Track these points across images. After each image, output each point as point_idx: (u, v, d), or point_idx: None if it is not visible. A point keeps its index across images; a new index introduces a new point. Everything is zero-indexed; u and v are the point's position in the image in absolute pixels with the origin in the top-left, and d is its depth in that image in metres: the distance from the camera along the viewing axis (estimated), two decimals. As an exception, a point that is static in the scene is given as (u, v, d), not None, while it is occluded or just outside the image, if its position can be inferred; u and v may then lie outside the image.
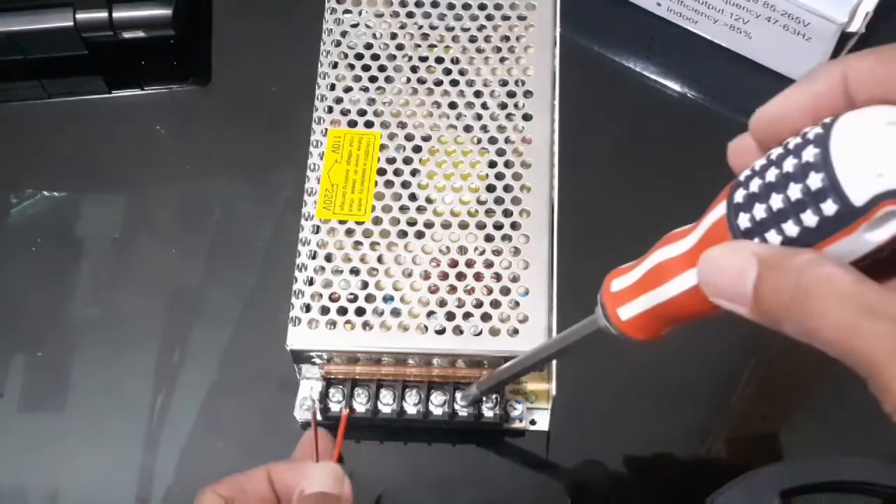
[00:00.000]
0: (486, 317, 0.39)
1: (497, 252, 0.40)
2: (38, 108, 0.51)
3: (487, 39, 0.44)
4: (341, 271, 0.40)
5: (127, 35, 0.49)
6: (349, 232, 0.40)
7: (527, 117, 0.43)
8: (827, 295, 0.21)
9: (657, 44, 0.51)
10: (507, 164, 0.42)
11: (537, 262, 0.40)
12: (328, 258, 0.40)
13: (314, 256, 0.40)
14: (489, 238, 0.40)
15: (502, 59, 0.44)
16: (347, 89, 0.43)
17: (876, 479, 0.37)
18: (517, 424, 0.41)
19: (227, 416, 0.43)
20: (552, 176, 0.41)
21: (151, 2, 0.48)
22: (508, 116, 0.43)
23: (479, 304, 0.39)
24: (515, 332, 0.38)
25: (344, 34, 0.45)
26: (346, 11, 0.45)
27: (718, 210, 0.24)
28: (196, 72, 0.52)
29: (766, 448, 0.41)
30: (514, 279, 0.39)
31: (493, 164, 0.42)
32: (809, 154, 0.21)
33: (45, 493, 0.42)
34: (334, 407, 0.40)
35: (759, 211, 0.22)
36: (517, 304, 0.39)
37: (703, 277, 0.24)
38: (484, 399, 0.40)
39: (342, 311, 0.39)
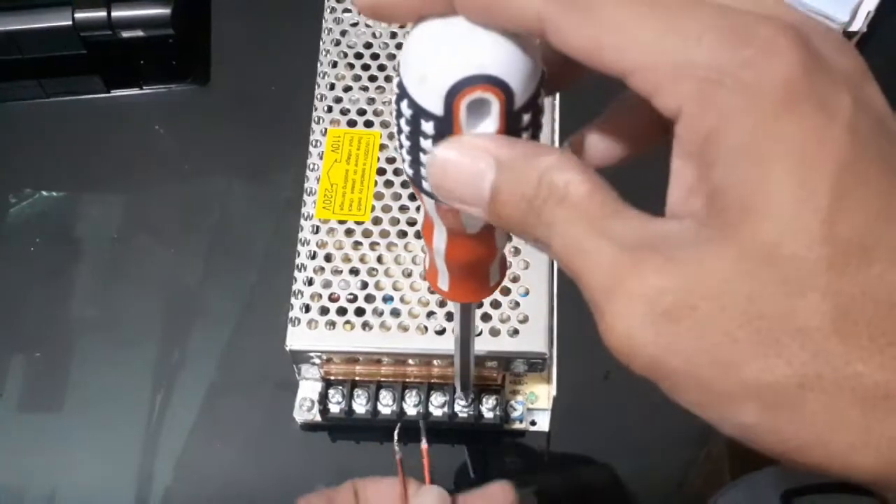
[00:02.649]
0: (486, 317, 0.38)
1: (497, 252, 0.40)
2: (37, 107, 0.51)
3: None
4: (341, 271, 0.40)
5: (126, 34, 0.49)
6: (349, 232, 0.40)
7: (527, 117, 0.42)
8: (560, 205, 0.19)
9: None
10: (507, 164, 0.41)
11: (537, 261, 0.40)
12: (327, 258, 0.40)
13: (313, 256, 0.40)
14: (489, 238, 0.40)
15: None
16: (347, 89, 0.43)
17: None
18: (517, 425, 0.40)
19: (227, 417, 0.43)
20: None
21: (150, 1, 0.48)
22: (508, 116, 0.42)
23: (479, 305, 0.39)
24: (515, 332, 0.38)
25: (343, 33, 0.44)
26: (346, 10, 0.45)
27: None
28: (195, 71, 0.51)
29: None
30: (514, 279, 0.39)
31: (493, 164, 0.41)
32: (396, 83, 0.21)
33: (45, 493, 0.42)
34: (334, 408, 0.40)
35: (403, 152, 0.22)
36: (517, 304, 0.39)
37: (435, 180, 0.21)
38: (484, 399, 0.40)
39: (342, 311, 0.39)
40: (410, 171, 0.22)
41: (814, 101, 0.17)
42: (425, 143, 0.21)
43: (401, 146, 0.22)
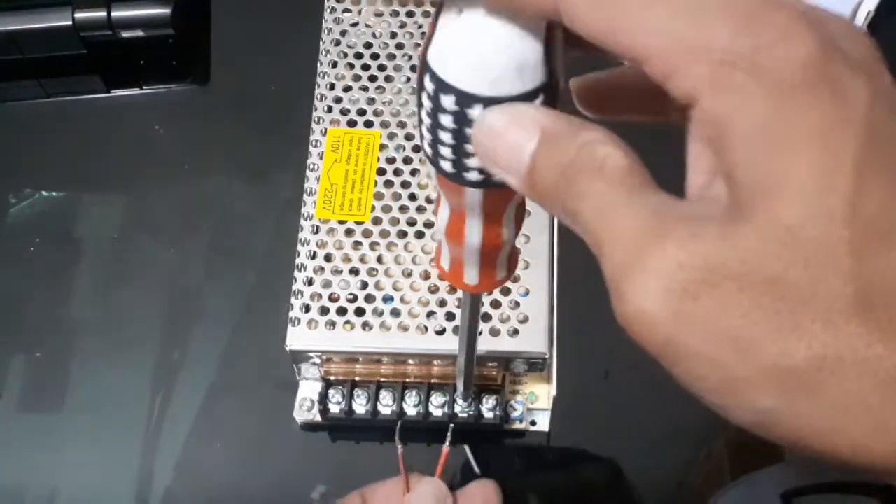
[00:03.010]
0: (486, 317, 0.38)
1: (497, 252, 0.40)
2: (37, 107, 0.51)
3: (487, 38, 0.44)
4: (341, 271, 0.40)
5: (126, 34, 0.49)
6: (349, 232, 0.40)
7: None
8: (594, 176, 0.19)
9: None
10: (507, 164, 0.41)
11: (537, 261, 0.40)
12: (327, 258, 0.40)
13: (313, 256, 0.40)
14: (489, 238, 0.40)
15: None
16: (347, 89, 0.43)
17: (876, 480, 0.37)
18: (517, 425, 0.40)
19: (227, 417, 0.43)
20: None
21: (150, 1, 0.48)
22: (508, 116, 0.42)
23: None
24: (515, 332, 0.38)
25: (343, 33, 0.44)
26: (346, 10, 0.45)
27: None
28: (195, 71, 0.51)
29: (768, 449, 0.41)
30: (514, 279, 0.39)
31: (493, 164, 0.41)
32: (432, 81, 0.21)
33: (45, 492, 0.42)
34: (334, 408, 0.40)
35: (448, 151, 0.22)
36: (517, 304, 0.39)
37: (479, 141, 0.21)
38: (484, 399, 0.40)
39: (341, 311, 0.39)
40: (453, 169, 0.22)
41: (831, 85, 0.17)
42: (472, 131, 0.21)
43: (441, 144, 0.22)
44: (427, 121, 0.22)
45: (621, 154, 0.19)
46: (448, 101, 0.21)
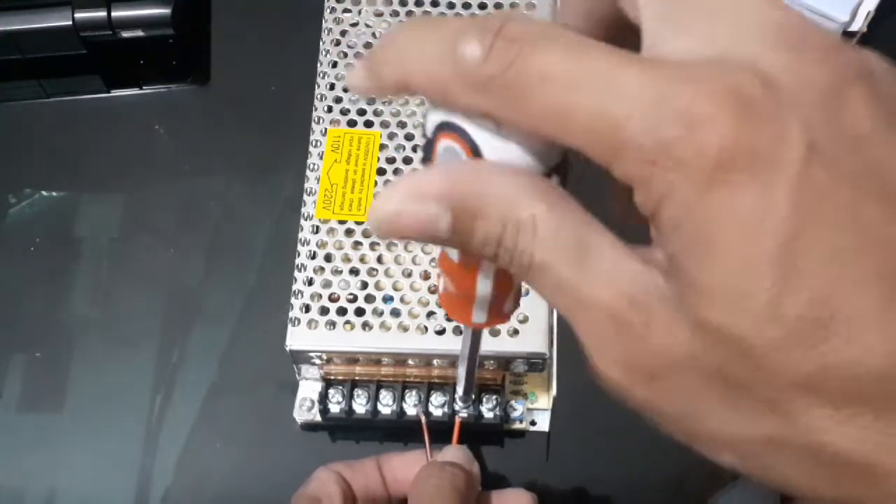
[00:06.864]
0: (486, 317, 0.38)
1: (497, 252, 0.40)
2: (37, 107, 0.51)
3: (487, 38, 0.44)
4: (341, 271, 0.40)
5: (126, 34, 0.49)
6: (349, 232, 0.40)
7: (527, 117, 0.42)
8: (533, 243, 0.19)
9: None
10: (507, 164, 0.41)
11: (537, 262, 0.40)
12: (327, 258, 0.40)
13: (313, 256, 0.40)
14: (489, 238, 0.40)
15: (502, 59, 0.44)
16: (347, 89, 0.43)
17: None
18: (517, 425, 0.40)
19: (227, 417, 0.43)
20: (552, 175, 0.41)
21: (150, 1, 0.48)
22: (508, 116, 0.42)
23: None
24: (515, 332, 0.38)
25: (343, 33, 0.44)
26: (346, 10, 0.45)
27: None
28: (195, 71, 0.51)
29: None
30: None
31: (493, 164, 0.41)
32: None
33: (45, 493, 0.42)
34: (334, 408, 0.40)
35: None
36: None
37: (385, 232, 0.20)
38: (484, 399, 0.40)
39: (341, 311, 0.39)
40: None
41: (750, 170, 0.16)
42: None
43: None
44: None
45: (546, 210, 0.19)
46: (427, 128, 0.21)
